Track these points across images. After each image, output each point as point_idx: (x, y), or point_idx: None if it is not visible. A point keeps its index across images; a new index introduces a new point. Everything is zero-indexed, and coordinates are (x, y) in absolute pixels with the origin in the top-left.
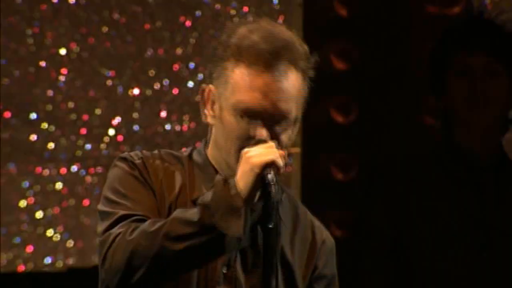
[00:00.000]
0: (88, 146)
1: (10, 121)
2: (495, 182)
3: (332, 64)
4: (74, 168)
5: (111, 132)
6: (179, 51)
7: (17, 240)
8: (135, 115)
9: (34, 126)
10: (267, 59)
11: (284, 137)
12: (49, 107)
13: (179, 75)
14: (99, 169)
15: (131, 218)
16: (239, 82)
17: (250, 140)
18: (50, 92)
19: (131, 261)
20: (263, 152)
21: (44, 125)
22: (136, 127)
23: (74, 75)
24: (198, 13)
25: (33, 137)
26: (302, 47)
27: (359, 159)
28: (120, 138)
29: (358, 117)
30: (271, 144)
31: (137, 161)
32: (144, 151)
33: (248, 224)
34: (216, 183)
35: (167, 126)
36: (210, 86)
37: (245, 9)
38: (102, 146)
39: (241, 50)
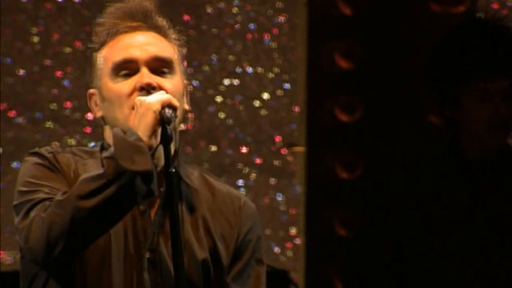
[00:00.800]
0: (92, 145)
1: (14, 120)
2: (497, 184)
3: (337, 63)
4: None
5: None
6: (184, 50)
7: None
8: None
9: (38, 125)
10: (123, 25)
11: (169, 86)
12: (54, 106)
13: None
14: None
15: (49, 200)
16: (107, 54)
17: (139, 92)
18: (54, 91)
19: (50, 233)
20: (156, 96)
21: (49, 124)
22: None
23: (79, 74)
24: (201, 11)
25: (38, 136)
26: (161, 18)
27: (364, 158)
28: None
29: (363, 116)
30: (162, 92)
31: (48, 155)
32: (54, 147)
33: (153, 161)
34: (115, 135)
35: None
36: (89, 90)
37: (248, 7)
38: None
39: (98, 39)
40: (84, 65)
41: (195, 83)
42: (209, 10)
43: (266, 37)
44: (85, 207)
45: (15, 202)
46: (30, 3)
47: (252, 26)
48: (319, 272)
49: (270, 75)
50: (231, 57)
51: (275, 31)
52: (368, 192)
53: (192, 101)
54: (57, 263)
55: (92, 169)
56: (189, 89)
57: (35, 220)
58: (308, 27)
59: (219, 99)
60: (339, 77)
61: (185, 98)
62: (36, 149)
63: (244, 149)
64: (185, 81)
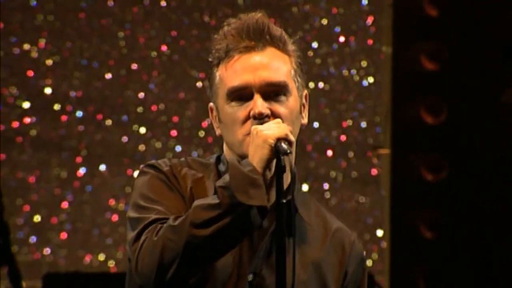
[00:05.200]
0: (178, 148)
1: (102, 123)
2: None
3: (422, 64)
4: None
5: (201, 133)
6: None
7: (109, 241)
8: None
9: (125, 128)
10: (239, 45)
11: (283, 111)
12: (140, 109)
13: None
14: None
15: (160, 221)
16: (223, 76)
17: (254, 120)
18: (141, 94)
19: (162, 258)
20: (273, 127)
21: (135, 127)
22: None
23: (165, 77)
24: (287, 14)
25: (124, 138)
26: (276, 30)
27: (449, 159)
28: (210, 139)
29: (448, 118)
30: (278, 120)
31: (165, 169)
32: (172, 159)
33: (270, 194)
34: (231, 165)
35: None
36: (210, 104)
37: (334, 10)
38: (193, 148)
39: (216, 54)
40: (170, 69)
41: None
42: (294, 12)
43: (352, 39)
44: (199, 235)
45: (129, 215)
46: (117, 7)
47: (337, 28)
48: (404, 274)
49: (356, 77)
50: (316, 60)
51: (361, 33)
52: (453, 193)
53: None
54: (174, 284)
55: (208, 189)
56: (307, 100)
57: (145, 244)
58: (394, 29)
59: None
60: (424, 78)
61: (303, 113)
62: (154, 162)
63: (329, 153)
64: (304, 92)
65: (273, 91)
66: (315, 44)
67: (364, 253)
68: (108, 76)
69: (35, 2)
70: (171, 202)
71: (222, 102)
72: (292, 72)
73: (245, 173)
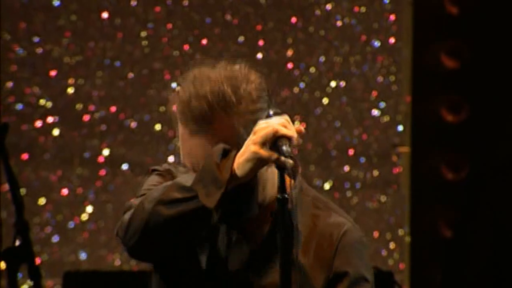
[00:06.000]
0: None
1: (124, 123)
2: None
3: (443, 62)
4: None
5: None
6: (290, 52)
7: None
8: None
9: (147, 127)
10: (191, 121)
11: None
12: (163, 108)
13: (290, 75)
14: None
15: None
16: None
17: None
18: (163, 94)
19: (129, 225)
20: (278, 122)
21: (158, 126)
22: None
23: None
24: (309, 13)
25: (147, 138)
26: (234, 91)
27: (469, 158)
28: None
29: (469, 116)
30: (286, 116)
31: (164, 172)
32: (172, 163)
33: (226, 200)
34: (214, 150)
35: None
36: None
37: (356, 9)
38: None
39: (175, 107)
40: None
41: (301, 84)
42: (317, 12)
43: (373, 38)
44: (161, 213)
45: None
46: (139, 6)
47: (359, 27)
48: (424, 272)
49: (377, 76)
50: (338, 59)
51: (383, 32)
52: (473, 192)
53: (299, 103)
54: (134, 255)
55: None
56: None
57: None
58: (414, 27)
59: (325, 101)
60: (444, 77)
61: None
62: (156, 167)
63: (351, 151)
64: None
65: None
66: (336, 43)
67: (364, 239)
68: (131, 75)
69: (58, 2)
70: None
71: None
72: (241, 135)
73: (213, 170)
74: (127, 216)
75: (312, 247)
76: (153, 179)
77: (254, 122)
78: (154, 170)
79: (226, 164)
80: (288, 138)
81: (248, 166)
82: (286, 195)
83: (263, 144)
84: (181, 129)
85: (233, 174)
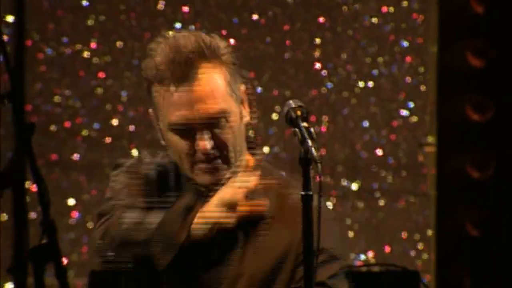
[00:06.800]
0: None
1: (152, 124)
2: None
3: (468, 61)
4: None
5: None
6: (317, 52)
7: None
8: (274, 116)
9: None
10: (172, 75)
11: (226, 135)
12: None
13: (317, 76)
14: None
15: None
16: (161, 103)
17: (198, 154)
18: None
19: (103, 241)
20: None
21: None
22: (271, 130)
23: None
24: (337, 12)
25: None
26: (210, 43)
27: (495, 158)
28: (259, 139)
29: (495, 115)
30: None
31: (130, 167)
32: (139, 155)
33: (180, 257)
34: (175, 209)
35: None
36: (149, 109)
37: (384, 8)
38: None
39: (152, 73)
40: None
41: (329, 85)
42: (344, 11)
43: (402, 38)
44: (125, 254)
45: (97, 211)
46: (168, 7)
47: (387, 27)
48: (450, 272)
49: (406, 76)
50: (366, 59)
51: (411, 32)
52: (499, 191)
53: (327, 103)
54: (109, 267)
55: (169, 181)
56: (246, 93)
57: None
58: (440, 26)
59: (353, 101)
60: (470, 76)
61: (244, 111)
62: (121, 161)
63: (379, 152)
64: (242, 89)
65: (214, 121)
66: (364, 43)
67: (334, 214)
68: None
69: (86, 2)
70: (135, 199)
71: (163, 127)
72: (229, 83)
73: (170, 231)
74: (98, 235)
75: (281, 225)
76: (119, 180)
77: (234, 78)
78: (118, 165)
79: (184, 227)
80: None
81: (205, 229)
82: (310, 192)
83: (229, 208)
84: (161, 92)
85: (189, 235)
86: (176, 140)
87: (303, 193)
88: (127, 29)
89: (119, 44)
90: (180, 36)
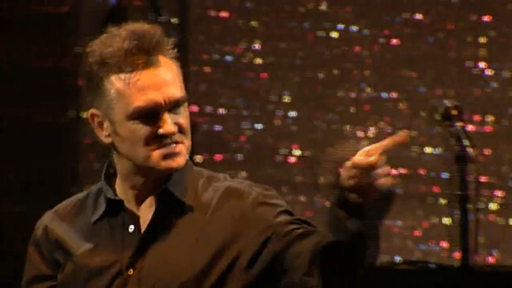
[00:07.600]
0: None
1: (314, 124)
2: None
3: None
4: None
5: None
6: (482, 51)
7: None
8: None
9: (336, 128)
10: (136, 61)
11: (184, 121)
12: (353, 109)
13: (481, 75)
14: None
15: None
16: (124, 92)
17: (161, 139)
18: (352, 94)
19: None
20: None
21: (345, 127)
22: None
23: (378, 77)
24: (502, 11)
25: (335, 139)
26: (159, 34)
27: None
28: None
29: None
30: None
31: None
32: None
33: None
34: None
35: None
36: (91, 110)
37: None
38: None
39: (108, 62)
40: (382, 68)
41: (493, 84)
42: (510, 9)
43: None
44: None
45: None
46: (329, 7)
47: None
48: None
49: None
50: None
51: None
52: None
53: (491, 102)
54: None
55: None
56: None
57: None
58: None
59: None
60: None
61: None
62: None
63: None
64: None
65: (178, 105)
66: None
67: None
68: (321, 76)
69: (248, 3)
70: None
71: (121, 117)
72: (179, 74)
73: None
74: None
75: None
76: (28, 258)
77: (178, 76)
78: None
79: None
80: None
81: None
82: (466, 193)
83: None
84: (123, 80)
85: None
86: (135, 128)
87: (459, 193)
88: (290, 30)
89: (282, 45)
90: (132, 26)
